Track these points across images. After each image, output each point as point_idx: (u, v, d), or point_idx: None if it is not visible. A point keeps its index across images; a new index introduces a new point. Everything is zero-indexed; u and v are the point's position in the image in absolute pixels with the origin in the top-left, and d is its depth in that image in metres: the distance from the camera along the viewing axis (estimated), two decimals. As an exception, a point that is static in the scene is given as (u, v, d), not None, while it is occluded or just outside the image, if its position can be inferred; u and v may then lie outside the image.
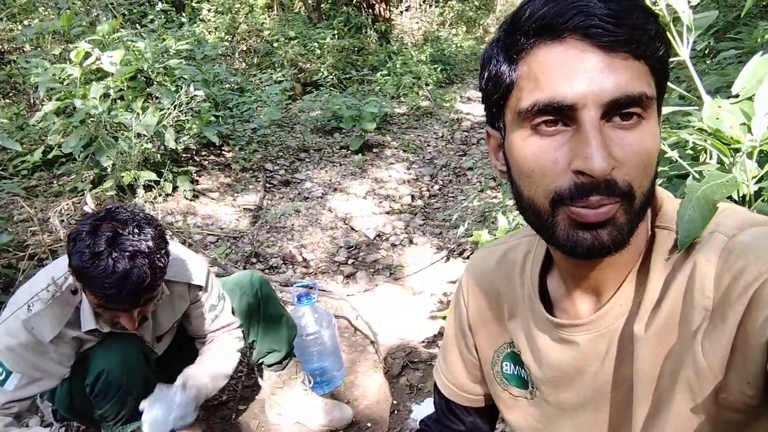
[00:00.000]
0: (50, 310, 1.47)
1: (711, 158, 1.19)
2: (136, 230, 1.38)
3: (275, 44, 6.74)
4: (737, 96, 1.11)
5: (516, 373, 0.85)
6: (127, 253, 1.34)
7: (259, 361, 2.02)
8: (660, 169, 1.22)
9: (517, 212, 2.65)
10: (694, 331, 0.58)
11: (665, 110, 1.20)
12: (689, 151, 1.31)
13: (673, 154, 1.10)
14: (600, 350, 0.70)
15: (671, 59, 1.19)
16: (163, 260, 1.43)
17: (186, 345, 1.90)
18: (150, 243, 1.38)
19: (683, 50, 1.18)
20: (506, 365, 0.86)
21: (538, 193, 0.61)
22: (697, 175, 1.14)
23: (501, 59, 0.62)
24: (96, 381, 1.58)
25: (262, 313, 1.94)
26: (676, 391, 0.60)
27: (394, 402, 2.18)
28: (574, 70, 0.56)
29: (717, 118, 1.09)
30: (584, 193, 0.58)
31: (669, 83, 1.29)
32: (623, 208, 0.59)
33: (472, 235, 3.21)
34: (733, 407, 0.56)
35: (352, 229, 3.61)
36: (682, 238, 0.63)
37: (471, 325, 0.92)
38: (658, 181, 1.23)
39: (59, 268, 1.52)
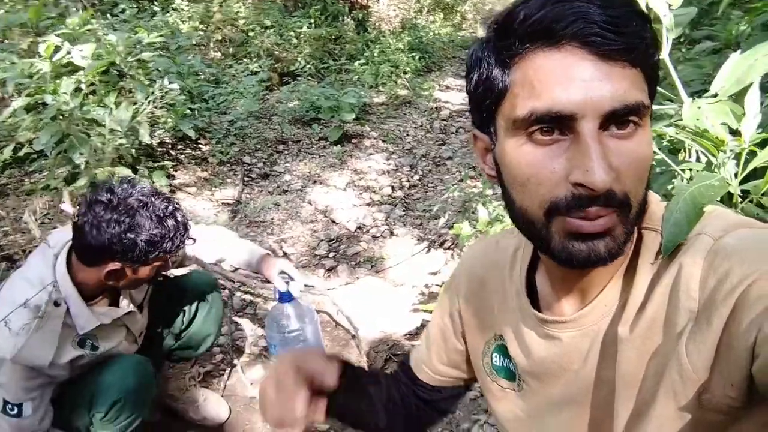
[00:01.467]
0: (39, 334, 1.43)
1: (690, 156, 1.20)
2: (136, 187, 1.48)
3: (251, 34, 6.64)
4: (715, 95, 1.12)
5: (505, 365, 0.86)
6: (168, 210, 1.48)
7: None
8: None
9: (498, 204, 2.66)
10: (678, 333, 0.59)
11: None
12: (666, 143, 1.32)
13: (657, 152, 1.11)
14: (582, 349, 0.70)
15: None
16: (175, 209, 1.54)
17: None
18: (150, 192, 1.50)
19: (664, 50, 1.19)
20: (495, 357, 0.87)
21: (533, 203, 0.60)
22: (681, 172, 1.15)
23: (492, 62, 0.60)
24: (110, 408, 1.55)
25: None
26: (660, 392, 0.60)
27: (378, 396, 2.18)
28: (572, 79, 0.55)
29: (698, 119, 1.10)
30: (582, 205, 0.57)
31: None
32: (620, 218, 0.58)
33: (452, 227, 3.23)
34: (716, 409, 0.57)
35: (333, 221, 3.60)
36: (666, 242, 0.63)
37: (462, 314, 0.93)
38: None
39: (32, 279, 1.48)
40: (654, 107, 1.16)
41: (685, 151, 1.19)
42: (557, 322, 0.72)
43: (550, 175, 0.58)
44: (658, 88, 1.25)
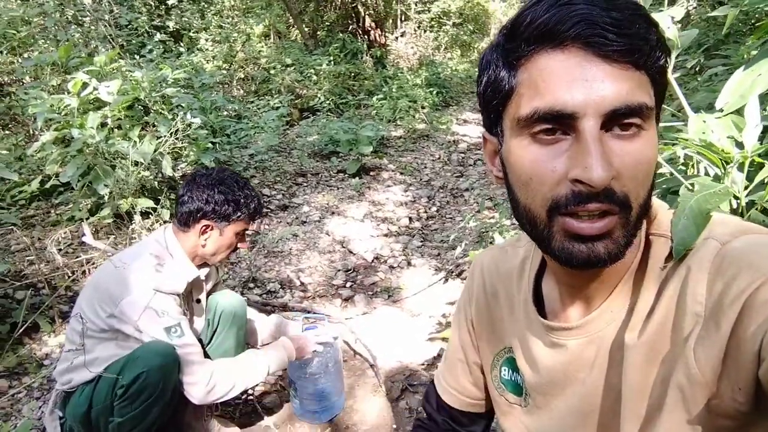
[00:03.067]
0: (169, 271, 1.78)
1: (698, 171, 1.19)
2: (235, 174, 1.93)
3: (272, 71, 6.82)
4: (722, 110, 1.12)
5: (512, 379, 0.85)
6: (245, 182, 1.91)
7: None
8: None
9: (514, 231, 2.65)
10: (685, 338, 0.58)
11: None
12: (681, 167, 1.31)
13: (669, 168, 1.11)
14: (588, 356, 0.70)
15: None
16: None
17: None
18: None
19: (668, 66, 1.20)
20: (504, 370, 0.86)
21: (536, 202, 0.61)
22: (689, 186, 1.14)
23: (500, 64, 0.62)
24: (134, 381, 1.62)
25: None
26: (668, 398, 0.59)
27: (394, 426, 2.15)
28: (574, 79, 0.56)
29: (703, 132, 1.10)
30: (581, 201, 0.57)
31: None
32: (620, 221, 0.58)
33: (469, 257, 3.22)
34: (725, 414, 0.56)
35: (350, 252, 3.61)
36: (677, 246, 0.63)
37: (474, 324, 0.92)
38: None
39: (144, 250, 1.81)
40: (661, 124, 1.17)
41: (693, 167, 1.18)
42: (563, 329, 0.72)
43: (552, 174, 0.59)
44: (671, 110, 1.27)
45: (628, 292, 0.67)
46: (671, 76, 1.21)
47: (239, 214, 1.85)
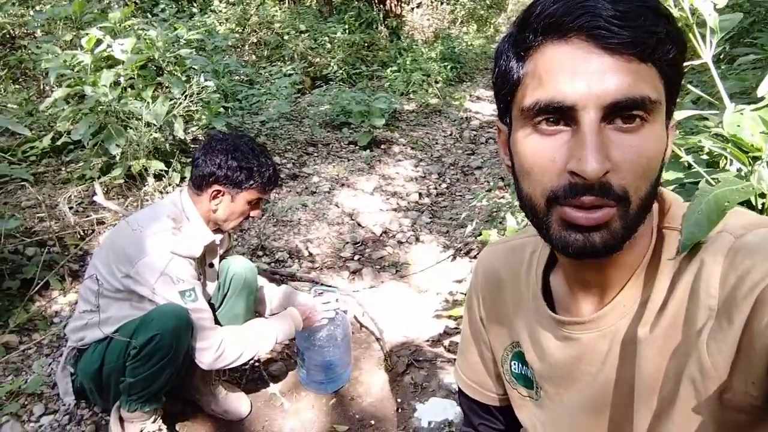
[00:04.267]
0: (186, 234, 1.78)
1: (731, 165, 1.17)
2: (248, 139, 1.90)
3: (286, 37, 6.72)
4: (760, 99, 1.09)
5: (523, 372, 0.85)
6: (261, 151, 1.88)
7: None
8: (675, 175, 1.21)
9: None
10: (698, 331, 0.58)
11: (681, 114, 1.18)
12: (704, 156, 1.29)
13: (688, 159, 1.08)
14: (601, 350, 0.70)
15: (693, 63, 1.18)
16: None
17: None
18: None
19: (706, 53, 1.17)
20: (514, 364, 0.87)
21: (536, 192, 0.62)
22: (711, 180, 1.12)
23: (511, 55, 0.63)
24: (147, 343, 1.63)
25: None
26: (681, 392, 0.59)
27: (398, 400, 2.17)
28: (576, 71, 0.56)
29: (738, 125, 1.07)
30: (577, 193, 0.58)
31: (690, 86, 1.27)
32: (619, 213, 0.58)
33: (480, 234, 3.21)
34: (738, 408, 0.56)
35: (359, 225, 3.60)
36: (685, 241, 0.62)
37: (483, 321, 0.92)
38: (671, 186, 1.22)
39: (162, 210, 1.81)
40: (695, 112, 1.14)
41: (726, 159, 1.16)
42: (575, 323, 0.72)
43: (551, 165, 0.59)
44: (701, 93, 1.24)
45: (640, 286, 0.67)
46: (710, 62, 1.18)
47: (252, 182, 1.83)
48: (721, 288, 0.57)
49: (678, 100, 0.64)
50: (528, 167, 0.62)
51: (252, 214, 1.92)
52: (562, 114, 0.58)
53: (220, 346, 1.74)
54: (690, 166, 1.10)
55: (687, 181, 1.13)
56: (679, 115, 1.15)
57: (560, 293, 0.77)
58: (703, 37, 1.16)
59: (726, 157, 1.20)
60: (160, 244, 1.70)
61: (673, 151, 1.32)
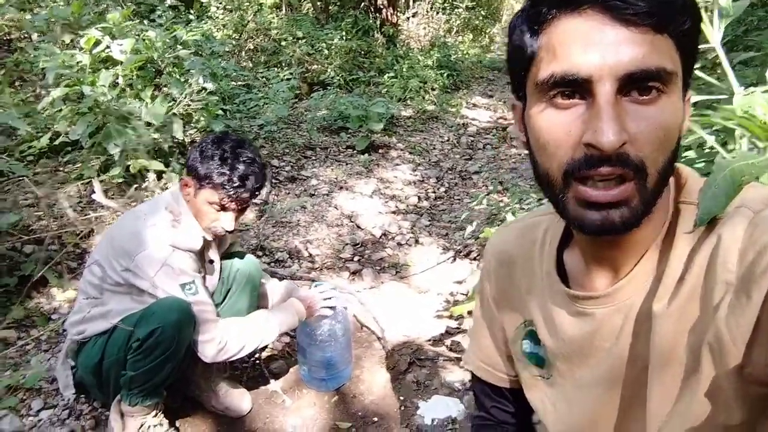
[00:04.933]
0: (185, 227, 1.75)
1: (741, 146, 1.18)
2: (250, 147, 1.78)
3: (283, 43, 6.74)
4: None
5: (535, 351, 0.85)
6: (247, 160, 1.72)
7: None
8: (691, 155, 1.21)
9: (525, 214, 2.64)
10: (716, 306, 0.57)
11: (701, 98, 1.19)
12: (718, 136, 1.29)
13: (703, 134, 1.08)
14: (615, 325, 0.69)
15: (701, 47, 1.19)
16: (266, 176, 1.83)
17: None
18: (260, 159, 1.79)
19: (714, 35, 1.18)
20: (526, 343, 0.86)
21: (552, 166, 0.61)
22: (726, 155, 1.13)
23: (524, 29, 0.62)
24: (149, 336, 1.61)
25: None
26: (702, 366, 0.59)
27: (401, 398, 2.15)
28: (591, 43, 0.56)
29: (749, 106, 1.08)
30: (594, 165, 0.57)
31: (698, 72, 1.28)
32: (637, 187, 0.58)
33: (478, 237, 3.21)
34: (757, 381, 0.55)
35: (358, 227, 3.59)
36: (702, 215, 0.62)
37: (495, 302, 0.92)
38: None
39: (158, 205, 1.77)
40: (704, 97, 1.14)
41: (734, 141, 1.17)
42: (589, 298, 0.71)
43: (567, 138, 0.59)
44: (708, 78, 1.24)
45: (655, 261, 0.67)
46: (718, 46, 1.19)
47: (209, 180, 1.69)
48: (740, 263, 0.56)
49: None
50: (543, 141, 0.61)
51: (221, 224, 1.77)
52: (576, 87, 0.58)
53: (223, 339, 1.73)
54: (702, 146, 1.10)
55: (702, 161, 1.13)
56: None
57: (574, 269, 0.76)
58: (710, 18, 1.17)
59: (735, 139, 1.21)
60: (159, 237, 1.68)
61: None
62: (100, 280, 1.71)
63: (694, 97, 1.25)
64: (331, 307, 2.07)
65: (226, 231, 1.79)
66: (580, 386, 0.75)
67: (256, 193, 1.77)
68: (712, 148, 1.17)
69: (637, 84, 0.56)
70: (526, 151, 0.69)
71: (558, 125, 0.59)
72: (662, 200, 0.63)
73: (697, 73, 1.29)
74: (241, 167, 1.70)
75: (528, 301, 0.83)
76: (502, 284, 0.89)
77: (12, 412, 1.88)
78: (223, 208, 1.74)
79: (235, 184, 1.69)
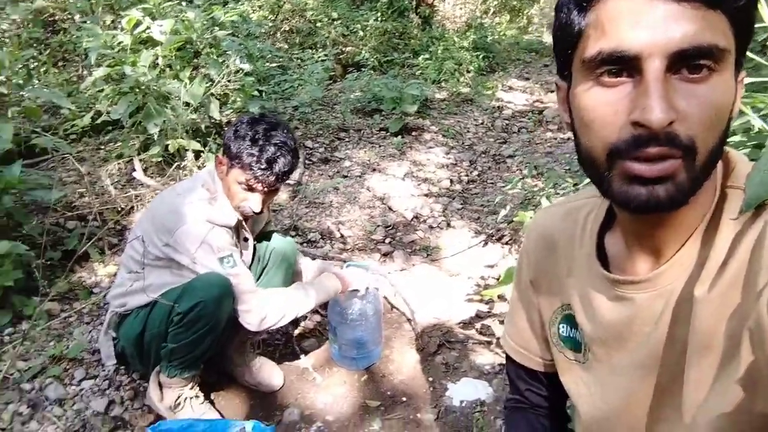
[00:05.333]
0: (221, 205, 1.78)
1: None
2: (285, 130, 1.78)
3: (318, 24, 6.74)
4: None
5: (571, 335, 0.84)
6: (278, 143, 1.72)
7: None
8: (737, 139, 1.17)
9: (561, 198, 2.60)
10: (759, 292, 0.56)
11: (749, 80, 1.15)
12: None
13: (753, 116, 1.05)
14: (656, 310, 0.68)
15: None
16: (297, 160, 1.81)
17: None
18: (293, 143, 1.78)
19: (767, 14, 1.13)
20: (562, 327, 0.86)
21: (596, 145, 0.60)
22: None
23: (572, 7, 0.61)
24: (191, 310, 1.66)
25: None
26: (741, 352, 0.57)
27: (430, 379, 2.17)
28: (640, 19, 0.54)
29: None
30: (641, 144, 0.56)
31: (758, 58, 1.24)
32: (684, 164, 0.56)
33: (511, 221, 3.18)
34: None
35: (390, 209, 3.61)
36: (748, 200, 0.60)
37: (533, 282, 0.91)
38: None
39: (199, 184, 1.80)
40: (756, 79, 1.11)
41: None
42: (630, 283, 0.70)
43: (613, 117, 0.58)
44: (759, 59, 1.20)
45: (699, 246, 0.65)
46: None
47: (238, 160, 1.71)
48: None
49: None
50: (588, 120, 0.60)
51: (249, 204, 1.78)
52: (625, 64, 0.56)
53: (263, 309, 1.76)
54: (749, 130, 1.07)
55: (752, 143, 1.10)
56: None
57: (615, 253, 0.75)
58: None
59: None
60: (197, 214, 1.71)
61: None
62: (141, 255, 1.76)
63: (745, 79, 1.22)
64: (364, 282, 2.10)
65: (254, 212, 1.81)
66: (616, 371, 0.75)
67: (284, 177, 1.77)
68: (760, 131, 1.14)
69: (687, 61, 0.55)
70: (569, 134, 0.68)
71: (605, 104, 0.58)
72: (709, 184, 0.62)
73: (748, 54, 1.25)
74: (270, 150, 1.70)
75: (567, 284, 0.82)
76: (542, 266, 0.88)
77: (56, 380, 1.97)
78: (251, 188, 1.75)
79: (262, 167, 1.70)
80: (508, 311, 1.00)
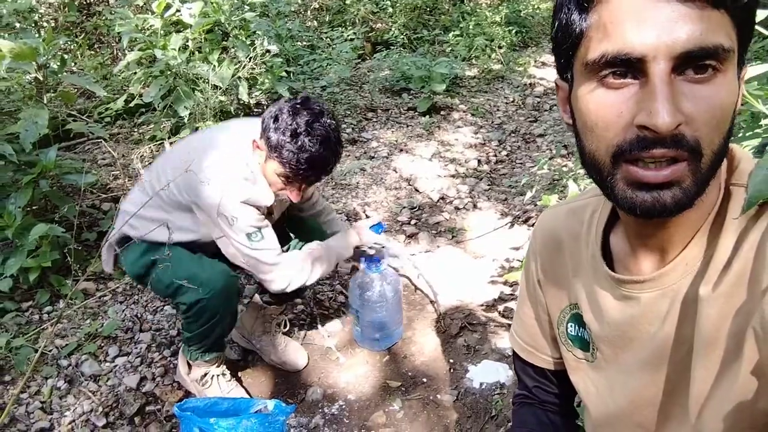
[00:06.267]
0: (260, 185, 1.72)
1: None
2: (328, 120, 1.67)
3: (348, 1, 6.69)
4: None
5: (579, 334, 0.85)
6: (320, 138, 1.62)
7: None
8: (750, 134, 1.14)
9: (590, 181, 2.57)
10: (763, 290, 0.56)
11: (765, 68, 1.11)
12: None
13: (763, 109, 1.02)
14: (661, 309, 0.68)
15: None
16: (340, 153, 1.73)
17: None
18: (336, 134, 1.69)
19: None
20: (570, 326, 0.86)
21: (600, 148, 0.60)
22: None
23: (572, 7, 0.60)
24: (193, 305, 1.69)
25: None
26: (744, 350, 0.58)
27: (451, 361, 2.20)
28: (645, 20, 0.53)
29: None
30: (647, 146, 0.55)
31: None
32: (690, 168, 0.56)
33: (538, 203, 3.15)
34: None
35: (416, 190, 3.61)
36: (750, 198, 0.59)
37: (540, 282, 0.92)
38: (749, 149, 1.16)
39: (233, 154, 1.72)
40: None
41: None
42: (635, 282, 0.70)
43: (618, 119, 0.57)
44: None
45: (704, 244, 0.65)
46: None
47: (277, 153, 1.62)
48: None
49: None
50: (592, 122, 0.60)
51: (287, 194, 1.74)
52: (629, 66, 0.56)
53: (287, 276, 1.77)
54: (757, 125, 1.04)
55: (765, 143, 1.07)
56: (756, 70, 1.09)
57: (620, 252, 0.75)
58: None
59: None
60: (234, 194, 1.65)
61: (750, 110, 1.26)
62: (166, 195, 1.72)
63: (763, 66, 1.18)
64: (382, 241, 2.07)
65: (291, 201, 1.79)
66: (623, 370, 0.76)
67: (323, 175, 1.72)
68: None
69: (693, 62, 0.54)
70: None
71: (609, 106, 0.58)
72: (714, 182, 0.62)
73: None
74: (312, 147, 1.60)
75: (574, 283, 0.83)
76: (549, 265, 0.89)
77: (91, 357, 2.07)
78: (289, 182, 1.70)
79: (302, 166, 1.62)
80: (516, 309, 1.01)
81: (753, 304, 0.58)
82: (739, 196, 0.63)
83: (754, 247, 0.59)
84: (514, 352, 1.02)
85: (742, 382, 0.58)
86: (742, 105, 1.03)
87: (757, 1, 0.58)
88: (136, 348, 2.13)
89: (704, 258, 0.65)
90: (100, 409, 1.89)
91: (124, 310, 2.32)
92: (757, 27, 0.84)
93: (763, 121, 1.20)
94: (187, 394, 1.97)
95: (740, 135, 1.19)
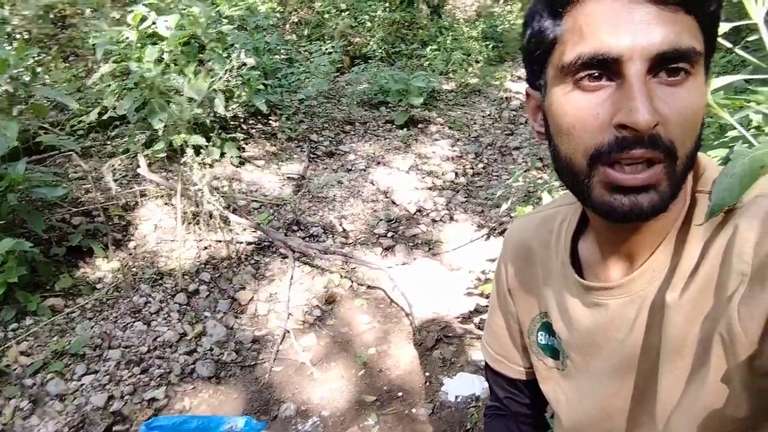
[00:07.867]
0: None
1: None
2: None
3: (326, 16, 6.73)
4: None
5: (549, 343, 0.84)
6: None
7: None
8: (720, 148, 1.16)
9: (564, 191, 2.59)
10: (729, 297, 0.56)
11: (724, 80, 1.14)
12: (753, 130, 1.23)
13: (731, 119, 1.03)
14: (629, 316, 0.68)
15: (740, 23, 1.13)
16: None
17: None
18: None
19: (756, 12, 1.11)
20: (541, 335, 0.86)
21: (577, 152, 0.59)
22: (754, 141, 1.07)
23: (545, 15, 0.60)
24: None
25: None
26: (708, 358, 0.58)
27: (427, 374, 2.19)
28: (620, 22, 0.54)
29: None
30: (625, 147, 0.55)
31: (739, 51, 1.23)
32: (666, 171, 0.56)
33: (515, 213, 3.17)
34: None
35: (393, 202, 3.61)
36: (713, 206, 0.59)
37: (511, 291, 0.91)
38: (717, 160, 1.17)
39: None
40: (741, 76, 1.09)
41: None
42: (604, 289, 0.70)
43: (594, 121, 0.57)
44: (752, 58, 1.19)
45: (670, 251, 0.65)
46: (761, 22, 1.12)
47: None
48: (755, 254, 0.55)
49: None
50: (569, 125, 0.59)
51: None
52: (605, 68, 0.56)
53: None
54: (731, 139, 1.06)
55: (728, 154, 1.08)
56: (721, 81, 1.11)
57: (589, 260, 0.75)
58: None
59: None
60: None
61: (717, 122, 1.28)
62: None
63: (731, 77, 1.20)
64: None
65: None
66: (593, 378, 0.75)
67: None
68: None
69: (666, 65, 0.55)
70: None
71: (585, 108, 0.58)
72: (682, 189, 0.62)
73: (739, 51, 1.23)
74: None
75: (544, 292, 0.83)
76: (519, 275, 0.89)
77: (58, 376, 2.01)
78: None
79: None
80: (487, 319, 1.00)
81: (719, 310, 0.58)
82: (704, 203, 0.64)
83: (720, 254, 0.59)
84: (486, 363, 1.02)
85: (710, 389, 0.58)
86: (710, 117, 1.05)
87: (721, 12, 0.59)
88: (104, 366, 2.08)
89: (671, 264, 0.65)
90: (66, 429, 1.84)
91: (93, 327, 2.27)
92: (722, 41, 0.86)
93: (730, 133, 1.22)
94: (157, 412, 1.92)
95: (709, 144, 1.20)
